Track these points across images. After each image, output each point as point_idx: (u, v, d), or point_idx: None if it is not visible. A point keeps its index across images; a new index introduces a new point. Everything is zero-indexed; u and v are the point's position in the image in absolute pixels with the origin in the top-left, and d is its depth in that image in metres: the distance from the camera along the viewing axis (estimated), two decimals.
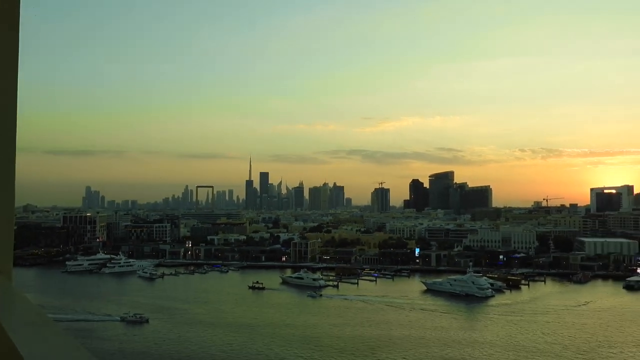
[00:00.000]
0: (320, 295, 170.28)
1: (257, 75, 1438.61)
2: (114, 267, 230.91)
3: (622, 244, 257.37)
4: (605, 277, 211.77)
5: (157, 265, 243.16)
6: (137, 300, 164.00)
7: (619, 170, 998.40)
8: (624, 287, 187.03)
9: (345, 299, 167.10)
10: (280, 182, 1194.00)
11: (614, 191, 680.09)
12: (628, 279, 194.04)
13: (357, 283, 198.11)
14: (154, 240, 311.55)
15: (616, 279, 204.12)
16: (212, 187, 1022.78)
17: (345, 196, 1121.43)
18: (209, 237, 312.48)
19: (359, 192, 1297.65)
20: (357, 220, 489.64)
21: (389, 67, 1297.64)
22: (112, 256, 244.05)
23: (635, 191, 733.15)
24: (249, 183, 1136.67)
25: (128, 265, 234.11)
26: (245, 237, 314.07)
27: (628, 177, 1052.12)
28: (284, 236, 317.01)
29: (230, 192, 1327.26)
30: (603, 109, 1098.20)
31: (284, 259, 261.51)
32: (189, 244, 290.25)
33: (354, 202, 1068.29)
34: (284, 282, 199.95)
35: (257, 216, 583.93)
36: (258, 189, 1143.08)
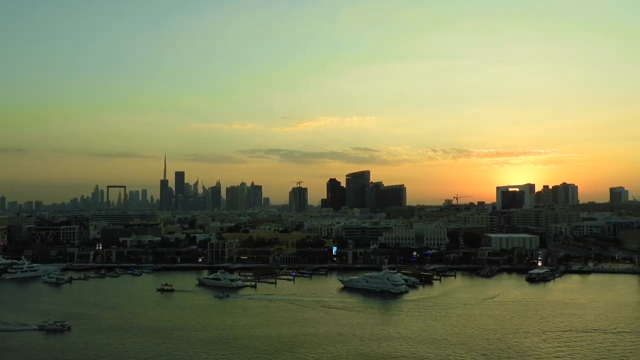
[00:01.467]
0: (228, 295, 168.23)
1: (173, 71, 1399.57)
2: (16, 272, 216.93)
3: (525, 239, 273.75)
4: (509, 271, 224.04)
5: (65, 270, 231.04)
6: (43, 307, 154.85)
7: (522, 170, 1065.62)
8: (526, 280, 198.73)
9: (263, 298, 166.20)
10: (197, 182, 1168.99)
11: (517, 189, 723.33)
12: (530, 271, 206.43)
13: (275, 282, 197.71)
14: (60, 243, 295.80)
15: (520, 272, 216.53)
16: (124, 187, 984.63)
17: (263, 196, 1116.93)
18: (121, 239, 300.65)
19: (277, 192, 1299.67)
20: (275, 219, 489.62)
21: (307, 67, 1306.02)
22: (14, 261, 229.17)
23: (537, 189, 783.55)
24: (164, 183, 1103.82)
25: (32, 270, 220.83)
26: (160, 239, 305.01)
27: (530, 176, 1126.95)
28: (200, 237, 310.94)
29: (144, 192, 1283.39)
30: (509, 112, 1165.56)
31: (200, 260, 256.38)
32: (99, 247, 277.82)
33: (272, 202, 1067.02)
34: (201, 283, 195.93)
35: (172, 217, 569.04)
36: (173, 189, 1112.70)
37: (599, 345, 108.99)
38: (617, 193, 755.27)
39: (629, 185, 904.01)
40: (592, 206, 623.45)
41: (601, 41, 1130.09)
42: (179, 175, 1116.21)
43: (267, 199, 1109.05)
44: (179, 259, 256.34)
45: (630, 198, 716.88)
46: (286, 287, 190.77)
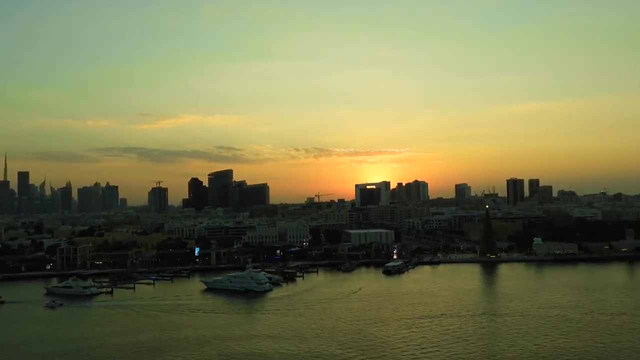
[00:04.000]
0: (61, 304, 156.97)
1: (15, 63, 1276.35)
2: None
3: (382, 234, 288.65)
4: (368, 265, 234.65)
5: None
6: None
7: (379, 168, 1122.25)
8: (383, 272, 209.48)
9: (121, 305, 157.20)
10: (44, 183, 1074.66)
11: (374, 187, 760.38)
12: (386, 264, 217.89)
13: (134, 287, 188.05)
14: None
15: (377, 265, 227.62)
16: None
17: (120, 196, 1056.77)
18: None
19: (135, 192, 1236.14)
20: (134, 221, 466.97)
21: (168, 63, 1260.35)
22: None
23: (392, 187, 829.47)
24: (4, 184, 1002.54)
25: None
26: (0, 246, 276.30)
27: (386, 174, 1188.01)
28: (48, 242, 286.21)
29: None
30: (366, 112, 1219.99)
31: (49, 267, 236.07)
32: None
33: (129, 203, 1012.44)
34: (50, 292, 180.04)
35: (14, 221, 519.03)
36: (16, 191, 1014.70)
37: (448, 328, 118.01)
38: (461, 189, 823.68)
39: (471, 182, 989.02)
40: (440, 201, 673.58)
41: (446, 47, 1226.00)
42: (23, 176, 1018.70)
43: (124, 200, 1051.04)
44: (23, 267, 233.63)
45: (472, 193, 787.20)
46: (146, 291, 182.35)
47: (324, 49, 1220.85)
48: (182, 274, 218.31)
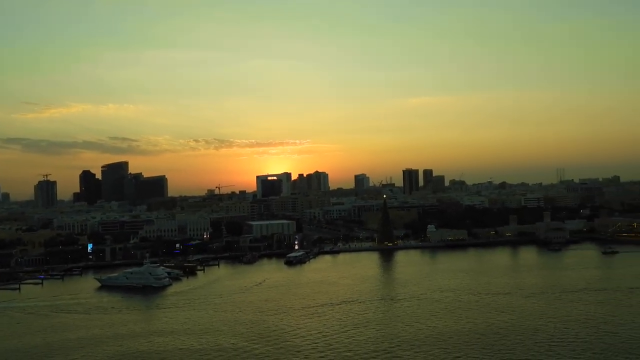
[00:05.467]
0: None
1: None
2: None
3: (283, 225, 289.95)
4: (270, 256, 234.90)
5: None
6: None
7: (280, 160, 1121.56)
8: (285, 263, 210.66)
9: (3, 307, 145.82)
10: None
11: (275, 178, 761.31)
12: (288, 255, 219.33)
13: (19, 288, 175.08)
14: None
15: (279, 256, 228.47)
16: None
17: (2, 191, 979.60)
18: None
19: (19, 186, 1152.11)
20: (18, 217, 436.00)
21: (57, 49, 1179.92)
22: None
23: (293, 178, 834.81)
24: None
25: None
26: None
27: (287, 165, 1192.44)
28: None
29: None
30: (268, 104, 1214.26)
31: None
32: None
33: (12, 198, 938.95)
34: None
35: None
36: None
37: (348, 314, 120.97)
38: (360, 179, 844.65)
39: (370, 172, 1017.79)
40: (340, 192, 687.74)
41: (349, 40, 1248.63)
42: None
43: (6, 195, 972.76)
44: None
45: (370, 184, 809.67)
46: (33, 292, 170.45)
47: (225, 39, 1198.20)
48: (74, 272, 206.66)
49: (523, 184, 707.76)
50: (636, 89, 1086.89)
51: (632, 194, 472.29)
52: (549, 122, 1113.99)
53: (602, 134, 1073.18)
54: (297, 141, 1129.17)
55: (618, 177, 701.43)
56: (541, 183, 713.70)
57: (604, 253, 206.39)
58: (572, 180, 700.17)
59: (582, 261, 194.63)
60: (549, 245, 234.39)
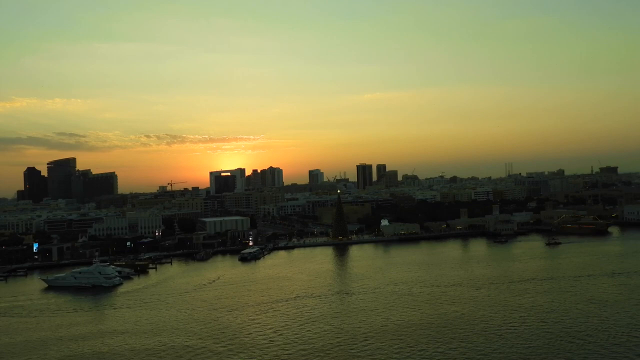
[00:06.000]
0: None
1: None
2: None
3: (237, 221, 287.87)
4: (224, 252, 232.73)
5: None
6: None
7: (234, 155, 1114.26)
8: (239, 259, 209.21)
9: None
10: None
11: (229, 174, 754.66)
12: (242, 251, 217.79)
13: None
14: None
15: (233, 253, 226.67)
16: None
17: None
18: None
19: None
20: None
21: None
22: None
23: (247, 173, 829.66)
24: None
25: None
26: None
27: (241, 161, 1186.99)
28: None
29: None
30: (221, 99, 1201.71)
31: None
32: None
33: None
34: None
35: None
36: None
37: (303, 309, 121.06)
38: (315, 175, 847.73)
39: (324, 167, 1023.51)
40: (294, 187, 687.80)
41: (304, 36, 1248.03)
42: None
43: None
44: None
45: (325, 179, 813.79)
46: None
47: (177, 32, 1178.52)
48: (19, 273, 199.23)
49: (473, 178, 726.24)
50: (583, 86, 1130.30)
51: (575, 186, 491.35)
52: (498, 118, 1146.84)
53: (548, 130, 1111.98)
54: (251, 137, 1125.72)
55: (562, 171, 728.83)
56: (490, 177, 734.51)
57: (548, 244, 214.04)
58: (520, 174, 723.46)
59: (528, 252, 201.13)
60: (496, 237, 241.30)
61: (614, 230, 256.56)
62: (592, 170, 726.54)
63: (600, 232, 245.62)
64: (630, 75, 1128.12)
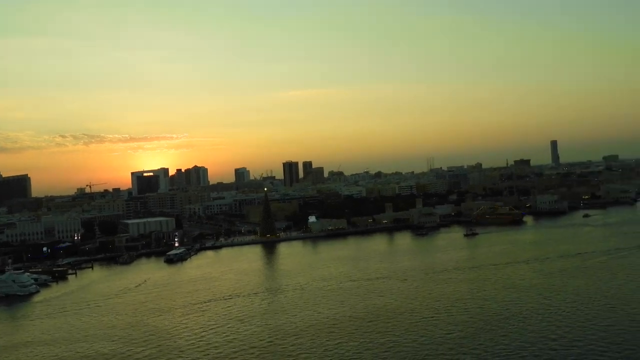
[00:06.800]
0: None
1: None
2: None
3: (162, 222, 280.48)
4: (148, 255, 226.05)
5: None
6: None
7: (156, 155, 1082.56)
8: (165, 261, 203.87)
9: None
10: None
11: (152, 174, 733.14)
12: (168, 253, 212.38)
13: None
14: None
15: (159, 254, 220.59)
16: None
17: None
18: None
19: None
20: None
21: None
22: None
23: (171, 173, 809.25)
24: None
25: None
26: None
27: (164, 160, 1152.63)
28: None
29: None
30: (142, 97, 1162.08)
31: None
32: None
33: None
34: None
35: None
36: None
37: (232, 309, 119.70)
38: (241, 173, 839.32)
39: (250, 165, 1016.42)
40: (220, 186, 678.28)
41: (226, 33, 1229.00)
42: None
43: None
44: None
45: (251, 177, 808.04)
46: None
47: (92, 27, 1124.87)
48: None
49: (397, 173, 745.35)
50: (500, 83, 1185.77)
51: (492, 179, 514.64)
52: (420, 114, 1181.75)
53: (466, 125, 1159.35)
54: (174, 135, 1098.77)
55: (480, 164, 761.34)
56: (413, 172, 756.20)
57: (466, 235, 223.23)
58: (441, 168, 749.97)
59: (450, 243, 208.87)
60: (417, 230, 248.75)
61: (528, 219, 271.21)
62: (507, 163, 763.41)
63: (516, 222, 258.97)
64: (542, 73, 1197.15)
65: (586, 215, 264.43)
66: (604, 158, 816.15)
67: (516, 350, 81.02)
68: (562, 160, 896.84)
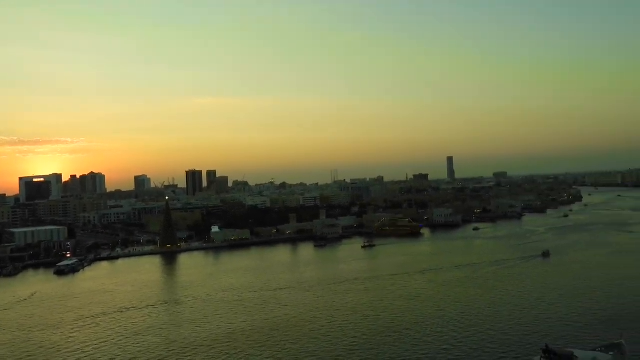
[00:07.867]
0: None
1: None
2: None
3: (53, 231, 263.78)
4: (36, 266, 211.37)
5: None
6: None
7: (48, 159, 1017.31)
8: (55, 273, 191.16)
9: None
10: None
11: (43, 180, 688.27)
12: (59, 264, 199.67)
13: None
14: None
15: (49, 265, 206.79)
16: None
17: None
18: None
19: None
20: None
21: None
22: None
23: (64, 179, 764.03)
24: None
25: None
26: None
27: (57, 165, 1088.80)
28: None
29: None
30: (34, 98, 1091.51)
31: None
32: None
33: None
34: None
35: None
36: None
37: (127, 322, 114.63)
38: (141, 181, 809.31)
39: (151, 173, 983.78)
40: (119, 194, 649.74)
41: (129, 36, 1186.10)
42: None
43: None
44: None
45: (152, 185, 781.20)
46: None
47: None
48: None
49: (302, 184, 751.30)
50: (396, 98, 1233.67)
51: (393, 192, 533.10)
52: (325, 127, 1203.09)
53: (369, 138, 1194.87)
54: (69, 139, 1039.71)
55: (382, 178, 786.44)
56: (317, 183, 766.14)
57: (363, 247, 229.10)
58: (345, 180, 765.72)
59: (351, 254, 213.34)
60: (319, 241, 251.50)
61: (425, 231, 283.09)
62: (407, 177, 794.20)
63: (414, 234, 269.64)
64: (439, 91, 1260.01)
65: (476, 229, 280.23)
66: (495, 174, 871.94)
67: (415, 356, 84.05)
68: (457, 175, 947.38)
